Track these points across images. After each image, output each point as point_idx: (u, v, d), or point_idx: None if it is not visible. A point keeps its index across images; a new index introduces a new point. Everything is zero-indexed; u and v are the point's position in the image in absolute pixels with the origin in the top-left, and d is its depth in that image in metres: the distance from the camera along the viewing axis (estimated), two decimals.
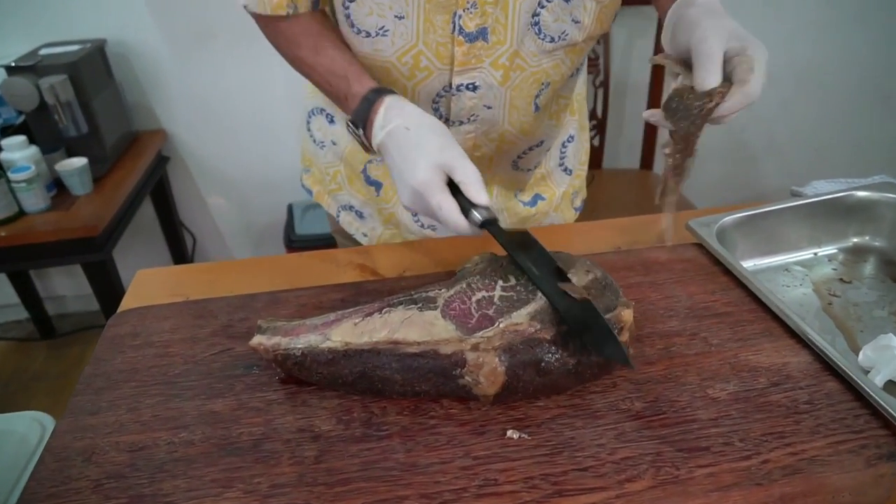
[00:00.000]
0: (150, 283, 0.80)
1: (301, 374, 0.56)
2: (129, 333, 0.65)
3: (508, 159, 0.86)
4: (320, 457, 0.50)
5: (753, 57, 0.57)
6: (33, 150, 1.46)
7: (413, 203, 0.62)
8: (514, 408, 0.54)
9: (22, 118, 1.58)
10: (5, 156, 1.43)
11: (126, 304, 0.75)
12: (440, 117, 0.76)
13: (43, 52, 1.58)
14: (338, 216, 0.95)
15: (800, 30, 1.93)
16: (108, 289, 1.51)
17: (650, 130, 1.86)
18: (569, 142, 0.95)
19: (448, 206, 0.59)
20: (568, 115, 0.92)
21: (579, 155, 0.98)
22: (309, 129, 0.93)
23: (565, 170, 0.97)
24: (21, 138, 1.45)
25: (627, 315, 0.53)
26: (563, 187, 0.97)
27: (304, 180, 1.00)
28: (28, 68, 1.46)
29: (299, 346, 0.55)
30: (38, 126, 1.52)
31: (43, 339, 2.10)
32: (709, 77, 0.57)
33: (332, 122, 0.89)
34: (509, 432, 0.51)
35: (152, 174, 1.79)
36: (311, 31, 0.72)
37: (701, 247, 0.76)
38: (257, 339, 0.57)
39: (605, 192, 1.79)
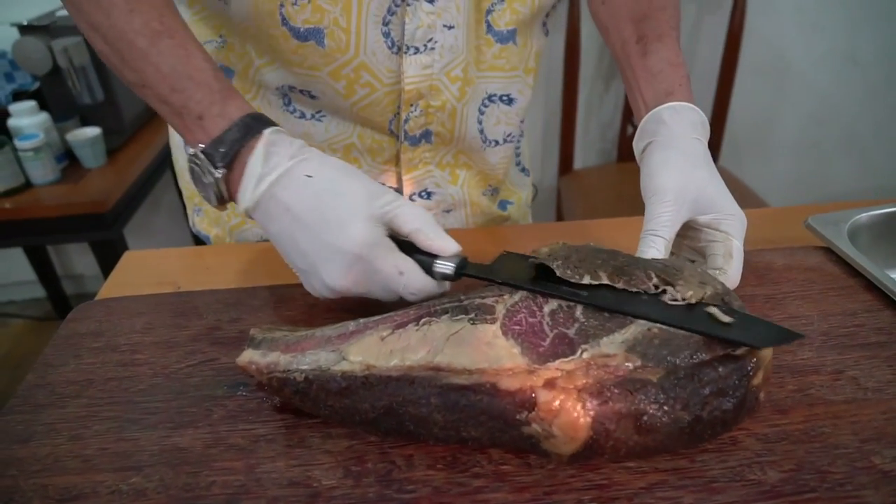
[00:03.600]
0: (137, 267, 0.67)
1: (305, 406, 0.41)
2: (90, 332, 0.51)
3: (474, 116, 0.67)
4: None
5: (729, 235, 0.48)
6: (43, 116, 1.35)
7: (352, 279, 0.44)
8: (594, 468, 0.38)
9: (36, 85, 1.47)
10: (13, 122, 1.32)
11: (105, 292, 0.62)
12: (391, 46, 0.58)
13: (60, 12, 1.47)
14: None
15: (893, 7, 1.71)
16: None
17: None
18: (520, 137, 0.79)
19: (412, 268, 0.44)
20: (522, 75, 0.69)
21: (529, 153, 0.83)
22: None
23: (522, 169, 0.82)
24: (30, 104, 1.34)
25: (766, 351, 0.37)
26: (526, 190, 0.83)
27: (198, 225, 0.77)
28: (42, 28, 1.35)
29: (303, 367, 0.40)
30: (52, 92, 1.41)
31: (59, 319, 2.01)
32: (648, 252, 0.46)
33: None
34: None
35: None
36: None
37: (826, 251, 0.59)
38: (248, 356, 0.42)
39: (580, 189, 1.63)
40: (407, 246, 0.45)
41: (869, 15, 1.71)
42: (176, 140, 0.75)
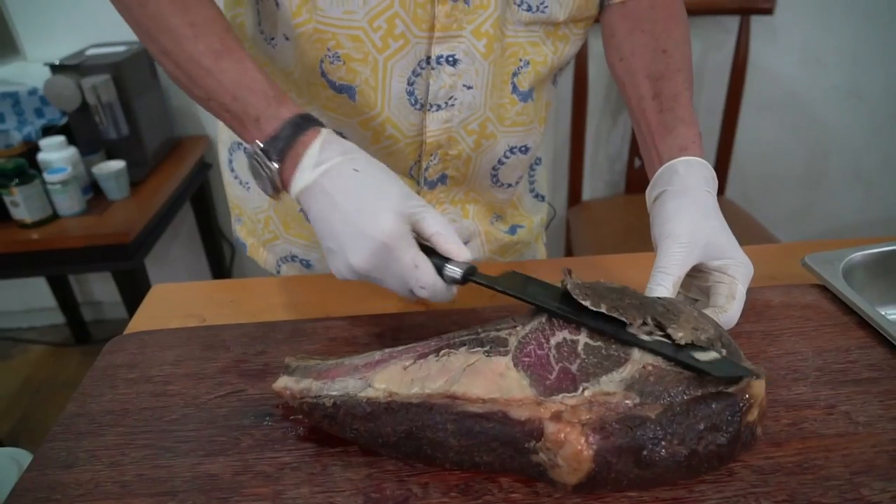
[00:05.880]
0: (164, 299, 0.71)
1: (332, 430, 0.44)
2: (125, 364, 0.55)
3: (488, 164, 0.72)
4: None
5: (735, 279, 0.51)
6: (71, 151, 1.41)
7: (373, 263, 0.48)
8: (598, 497, 0.41)
9: (65, 119, 1.54)
10: (42, 156, 1.38)
11: (135, 324, 0.66)
12: (414, 104, 0.64)
13: (90, 52, 1.54)
14: (279, 273, 0.82)
15: None
16: (138, 299, 1.43)
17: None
18: (537, 164, 0.84)
19: (426, 265, 0.48)
20: (537, 126, 0.76)
21: (546, 180, 0.88)
22: (232, 168, 0.80)
23: (537, 196, 0.86)
24: (60, 139, 1.40)
25: (759, 388, 0.39)
26: (540, 215, 0.87)
27: (238, 232, 0.86)
28: (72, 67, 1.41)
29: (333, 393, 0.44)
30: (80, 127, 1.47)
31: (78, 345, 2.06)
32: (657, 290, 0.50)
33: None
34: None
35: (192, 181, 1.72)
36: (218, 19, 0.54)
37: (822, 289, 0.62)
38: (283, 382, 0.45)
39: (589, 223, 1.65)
40: (426, 250, 0.49)
41: (873, 51, 1.75)
42: (223, 157, 0.82)
